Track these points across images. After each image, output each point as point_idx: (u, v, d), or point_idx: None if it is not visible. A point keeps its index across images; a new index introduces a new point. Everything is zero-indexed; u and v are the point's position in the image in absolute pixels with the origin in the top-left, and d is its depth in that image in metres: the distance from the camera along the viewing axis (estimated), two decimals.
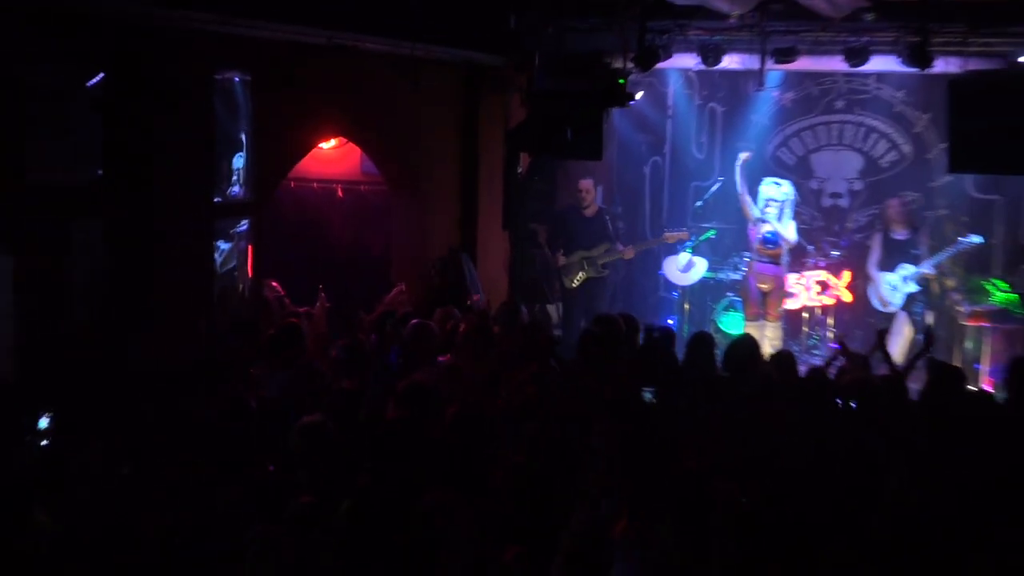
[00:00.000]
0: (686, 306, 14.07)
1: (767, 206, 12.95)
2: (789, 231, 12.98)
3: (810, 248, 13.81)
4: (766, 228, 12.98)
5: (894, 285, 12.67)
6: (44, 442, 5.79)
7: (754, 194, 13.15)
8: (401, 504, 5.25)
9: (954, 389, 7.73)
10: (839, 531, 5.43)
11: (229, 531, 4.97)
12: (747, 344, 8.87)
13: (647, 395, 7.83)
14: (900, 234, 12.75)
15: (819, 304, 13.77)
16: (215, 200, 8.74)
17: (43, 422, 5.86)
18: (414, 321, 8.69)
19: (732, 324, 13.48)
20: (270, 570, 4.41)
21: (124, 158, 7.64)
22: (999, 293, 13.20)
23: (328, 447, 5.76)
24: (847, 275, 13.94)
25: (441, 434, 6.54)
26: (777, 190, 13.07)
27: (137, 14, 7.36)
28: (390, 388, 7.25)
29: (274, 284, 10.05)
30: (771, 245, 12.98)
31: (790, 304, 13.53)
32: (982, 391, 10.38)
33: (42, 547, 4.78)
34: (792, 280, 13.45)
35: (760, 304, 13.05)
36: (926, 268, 12.50)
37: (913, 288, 12.59)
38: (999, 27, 11.00)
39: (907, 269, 12.66)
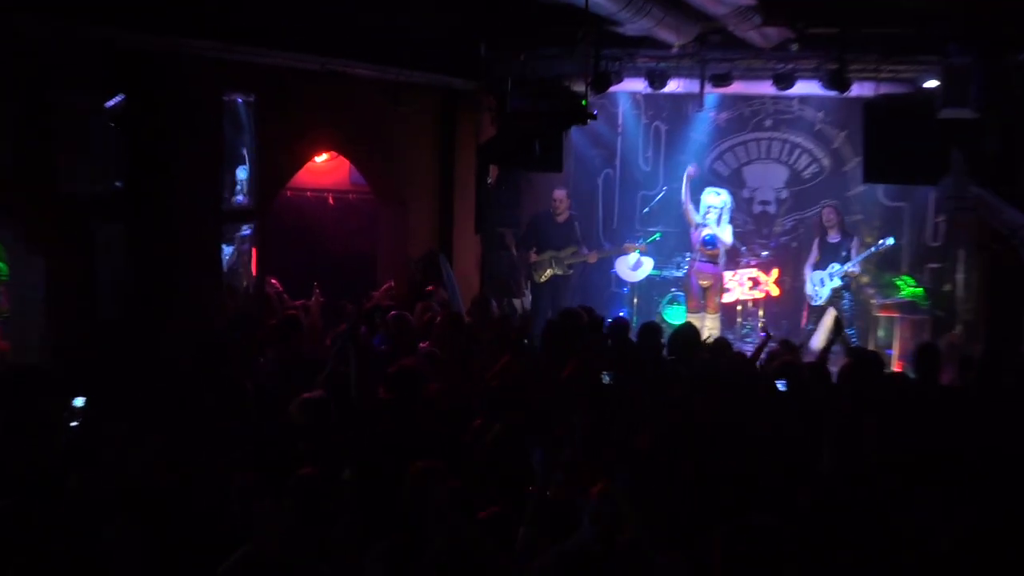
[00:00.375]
0: (635, 300, 14.13)
1: (708, 212, 13.12)
2: (726, 234, 13.18)
3: (743, 249, 13.98)
4: (706, 232, 13.18)
5: (822, 281, 12.79)
6: (77, 421, 5.72)
7: (696, 202, 13.28)
8: (393, 472, 5.22)
9: (873, 371, 7.78)
10: (769, 496, 5.42)
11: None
12: (688, 332, 8.96)
13: (606, 378, 7.81)
14: (833, 237, 12.88)
15: (751, 298, 13.92)
16: (222, 207, 8.67)
17: (77, 402, 5.80)
18: (393, 313, 8.69)
19: (675, 315, 13.55)
20: (277, 531, 4.35)
21: (142, 170, 7.58)
22: (907, 288, 13.30)
23: (327, 420, 5.73)
24: (775, 272, 14.05)
25: (425, 409, 6.54)
26: (716, 198, 13.28)
27: (152, 44, 7.30)
28: (377, 370, 7.21)
29: (274, 281, 10.02)
30: (710, 247, 13.22)
31: (726, 298, 13.68)
32: (897, 373, 10.44)
33: (73, 508, 4.71)
34: (728, 277, 13.60)
35: (701, 298, 13.27)
36: (850, 267, 12.59)
37: (839, 283, 12.70)
38: (907, 56, 11.06)
39: (834, 267, 12.78)
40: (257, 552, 4.16)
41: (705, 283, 13.24)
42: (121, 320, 7.42)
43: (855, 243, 12.77)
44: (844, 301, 12.67)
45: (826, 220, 13.05)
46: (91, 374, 6.82)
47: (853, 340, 11.84)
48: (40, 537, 4.17)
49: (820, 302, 12.68)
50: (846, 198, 14.08)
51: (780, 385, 7.86)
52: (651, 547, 4.58)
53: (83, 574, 3.98)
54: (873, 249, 12.89)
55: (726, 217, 13.25)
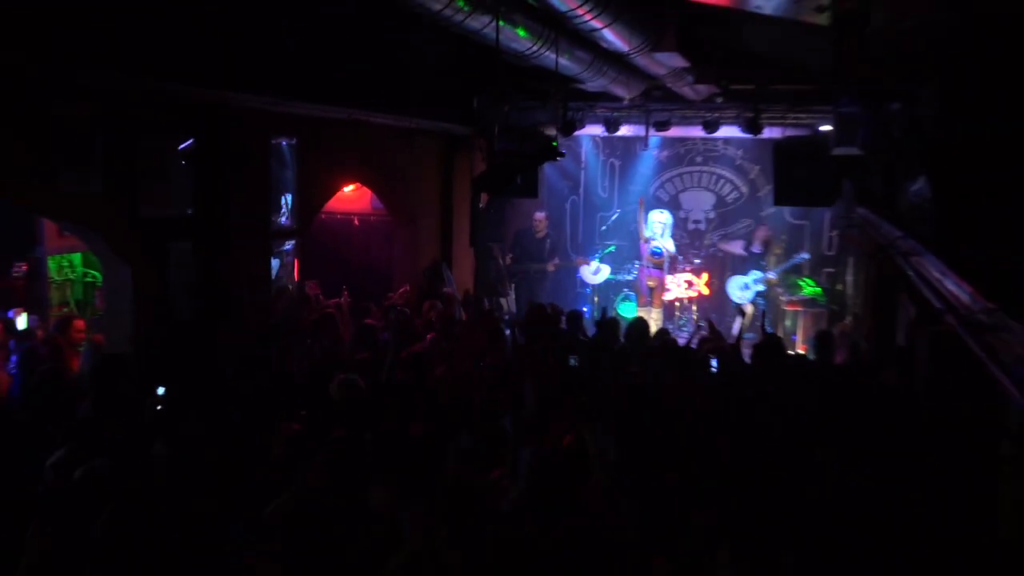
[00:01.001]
0: (595, 298, 14.20)
1: (655, 227, 13.45)
2: (669, 244, 13.47)
3: (680, 258, 14.02)
4: (654, 244, 13.49)
5: (746, 284, 12.99)
6: (159, 402, 5.74)
7: (644, 220, 13.42)
8: (405, 434, 5.27)
9: (777, 349, 7.87)
10: (701, 446, 5.46)
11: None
12: (640, 324, 9.02)
13: (572, 361, 7.85)
14: (756, 249, 13.05)
15: (686, 296, 13.97)
16: (271, 227, 8.68)
17: (159, 389, 5.83)
18: (397, 310, 8.78)
19: (627, 310, 13.62)
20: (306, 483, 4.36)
21: (207, 198, 7.59)
22: (808, 288, 13.41)
23: (358, 395, 5.77)
24: (705, 276, 14.18)
25: (432, 385, 6.59)
26: (661, 216, 13.65)
27: (216, 98, 7.32)
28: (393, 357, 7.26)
29: (313, 284, 10.02)
30: (657, 256, 13.56)
31: (667, 296, 13.75)
32: (799, 354, 10.53)
33: (160, 469, 4.73)
34: (669, 280, 13.68)
35: (648, 296, 13.48)
36: (770, 275, 12.83)
37: (761, 288, 12.93)
38: (807, 107, 11.16)
39: (755, 274, 12.95)
40: (299, 496, 4.17)
41: (652, 283, 13.58)
42: (191, 319, 7.44)
43: (771, 255, 13.02)
44: (760, 301, 12.87)
45: (758, 235, 13.31)
46: (168, 363, 6.86)
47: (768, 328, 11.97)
48: (128, 492, 4.17)
49: (741, 301, 12.85)
50: (760, 217, 14.21)
51: (713, 363, 7.99)
52: (616, 491, 4.60)
53: (161, 523, 3.97)
54: (791, 263, 13.13)
55: (668, 232, 13.51)
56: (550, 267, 13.75)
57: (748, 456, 5.28)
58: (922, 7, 4.82)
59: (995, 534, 4.26)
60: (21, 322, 8.29)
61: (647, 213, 13.63)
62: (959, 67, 5.23)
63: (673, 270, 13.76)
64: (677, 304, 13.93)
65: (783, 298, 13.32)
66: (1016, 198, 4.69)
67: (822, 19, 3.81)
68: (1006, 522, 4.25)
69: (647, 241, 13.45)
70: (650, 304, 13.40)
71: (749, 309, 12.43)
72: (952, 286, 3.51)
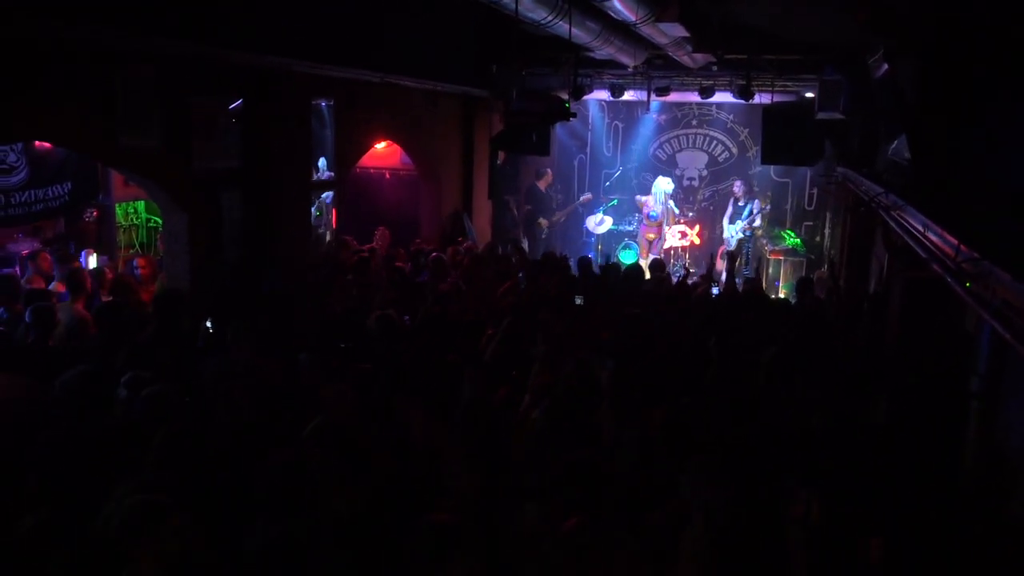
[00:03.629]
0: (599, 246, 14.07)
1: (660, 196, 13.49)
2: (670, 206, 13.63)
3: (677, 212, 13.87)
4: (651, 210, 13.54)
5: (734, 232, 12.83)
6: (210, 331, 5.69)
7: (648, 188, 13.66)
8: (437, 360, 5.19)
9: (757, 290, 7.77)
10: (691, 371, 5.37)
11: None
12: (636, 269, 8.92)
13: (578, 300, 7.76)
14: (741, 202, 12.86)
15: (680, 245, 13.82)
16: (311, 179, 8.57)
17: (208, 323, 5.76)
18: (433, 255, 8.64)
19: (627, 257, 13.51)
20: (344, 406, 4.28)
21: (255, 153, 7.48)
22: (790, 239, 13.26)
23: (393, 328, 5.70)
24: (697, 227, 13.99)
25: (456, 319, 6.51)
26: (666, 182, 13.69)
27: (263, 62, 7.16)
28: (424, 295, 7.17)
29: (349, 238, 9.88)
30: (654, 220, 13.46)
31: (664, 245, 13.61)
32: (782, 298, 10.41)
33: (206, 388, 4.66)
34: (665, 231, 13.54)
35: (647, 247, 13.33)
36: (748, 222, 12.69)
37: (742, 235, 12.77)
38: (794, 75, 10.93)
39: (739, 224, 12.77)
40: (328, 422, 4.08)
41: (651, 236, 13.44)
42: (240, 260, 7.37)
43: (756, 204, 12.81)
44: (747, 245, 12.71)
45: (735, 190, 13.14)
46: (219, 297, 6.80)
47: (747, 273, 11.87)
48: (181, 413, 4.12)
49: (732, 247, 12.75)
50: (748, 175, 13.97)
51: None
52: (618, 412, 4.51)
53: (208, 434, 3.91)
54: (758, 212, 13.16)
55: (669, 199, 13.54)
56: (558, 217, 13.67)
57: (733, 386, 5.18)
58: None
59: (961, 464, 4.17)
60: (92, 262, 8.25)
61: (641, 184, 14.00)
62: (938, 31, 5.00)
63: (668, 223, 13.66)
64: (672, 253, 13.81)
65: (768, 248, 13.16)
66: (989, 155, 4.51)
67: None
68: (971, 450, 4.16)
69: (645, 206, 13.55)
70: (650, 253, 13.35)
71: (741, 256, 12.33)
72: (935, 237, 3.36)
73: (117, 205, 9.18)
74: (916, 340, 5.63)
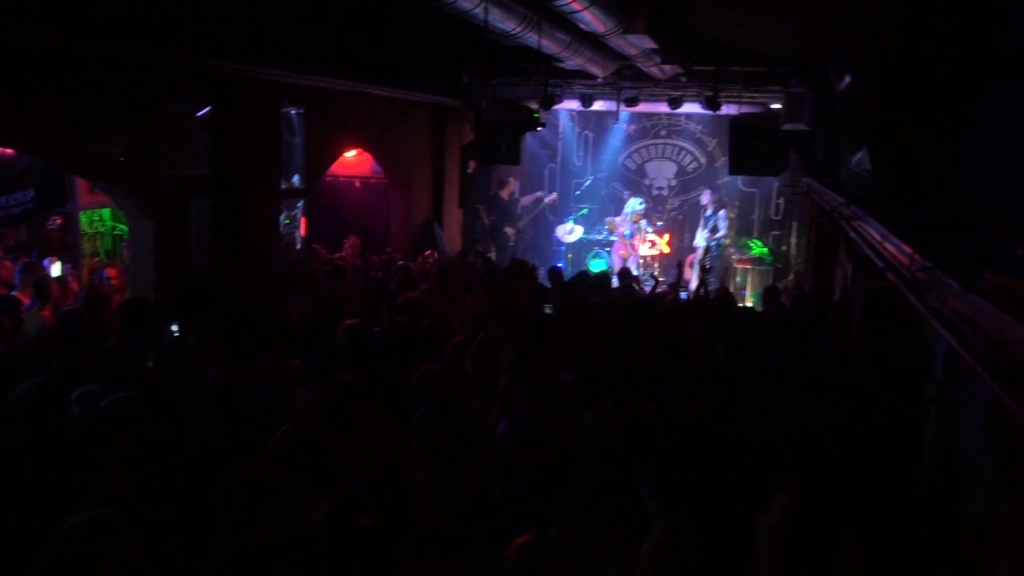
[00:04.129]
0: (570, 255, 14.12)
1: (633, 217, 13.53)
2: (641, 224, 13.68)
3: (649, 230, 14.01)
4: (624, 229, 13.61)
5: (700, 240, 12.99)
6: (174, 339, 5.62)
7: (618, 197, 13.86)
8: (406, 369, 5.17)
9: (728, 300, 7.87)
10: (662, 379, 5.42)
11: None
12: (605, 278, 8.97)
13: (547, 308, 7.80)
14: (708, 211, 12.99)
15: (650, 255, 13.91)
16: (280, 188, 8.52)
17: (173, 327, 5.70)
18: (400, 263, 8.64)
19: (597, 266, 13.54)
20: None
21: (224, 161, 7.44)
22: (757, 248, 13.40)
23: (363, 339, 5.66)
24: (667, 236, 14.10)
25: (425, 328, 6.49)
26: (636, 202, 13.68)
27: (232, 70, 7.14)
28: (392, 304, 7.14)
29: (319, 246, 9.86)
30: (628, 239, 13.61)
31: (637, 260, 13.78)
32: (748, 307, 10.53)
33: (169, 396, 4.64)
34: (637, 249, 13.75)
35: (621, 263, 13.48)
36: (711, 231, 12.84)
37: (704, 243, 12.93)
38: (760, 87, 11.06)
39: (705, 233, 12.92)
40: (295, 430, 4.05)
41: (624, 253, 13.61)
42: (207, 267, 7.32)
43: (722, 214, 12.94)
44: (712, 253, 12.85)
45: (703, 199, 13.27)
46: (186, 305, 6.74)
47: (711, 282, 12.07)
48: (145, 419, 4.08)
49: (699, 255, 12.91)
50: (716, 185, 14.11)
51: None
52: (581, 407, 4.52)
53: (173, 442, 3.88)
54: (715, 219, 13.19)
55: (641, 219, 13.62)
56: (525, 221, 13.79)
57: (702, 393, 5.23)
58: None
59: (919, 466, 4.26)
60: (55, 270, 8.13)
61: (614, 199, 14.23)
62: (898, 47, 5.12)
63: (643, 240, 13.80)
64: (640, 261, 13.90)
65: (735, 257, 13.29)
66: (948, 167, 4.62)
67: None
68: (928, 455, 4.24)
69: (622, 225, 13.67)
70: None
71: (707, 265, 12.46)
72: (892, 247, 3.44)
73: (82, 212, 9.05)
74: (877, 348, 5.73)
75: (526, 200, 14.01)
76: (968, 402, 3.75)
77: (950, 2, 4.81)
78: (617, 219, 13.71)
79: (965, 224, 3.62)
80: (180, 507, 3.50)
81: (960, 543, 3.92)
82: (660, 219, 14.33)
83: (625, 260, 13.48)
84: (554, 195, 14.22)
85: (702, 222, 13.29)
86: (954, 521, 4.06)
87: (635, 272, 11.84)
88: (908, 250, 2.95)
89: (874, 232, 4.04)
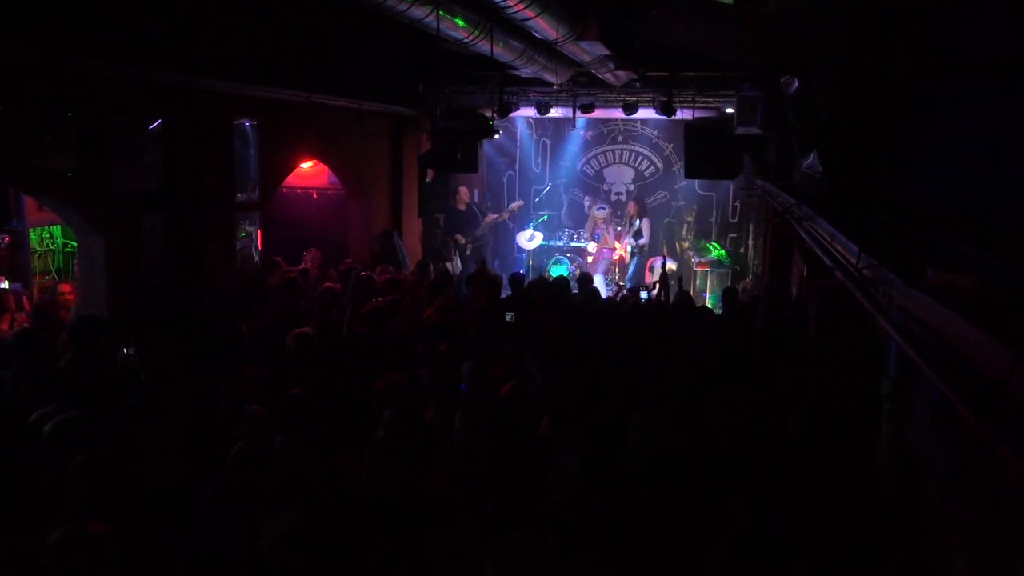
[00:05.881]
0: (530, 261, 14.14)
1: (598, 224, 13.87)
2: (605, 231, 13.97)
3: (608, 227, 14.14)
4: (594, 232, 13.90)
5: (628, 246, 13.26)
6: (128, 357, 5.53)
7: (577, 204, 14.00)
8: (366, 382, 5.13)
9: (689, 303, 7.93)
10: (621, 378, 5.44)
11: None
12: (565, 283, 8.99)
13: (508, 316, 7.80)
14: (633, 219, 13.26)
15: (611, 259, 14.03)
16: (235, 201, 8.41)
17: (128, 349, 5.60)
18: (362, 274, 8.57)
19: (558, 271, 13.59)
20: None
21: (176, 174, 7.33)
22: (715, 251, 13.53)
23: (312, 350, 5.56)
24: (626, 241, 14.17)
25: (387, 339, 6.44)
26: (602, 212, 14.04)
27: (183, 82, 7.04)
28: (353, 314, 7.08)
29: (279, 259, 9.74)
30: (597, 239, 13.82)
31: (592, 259, 13.85)
32: (707, 307, 10.61)
33: (125, 416, 4.56)
34: (593, 247, 13.81)
35: (587, 264, 13.67)
36: (634, 237, 13.48)
37: (633, 248, 13.52)
38: (714, 91, 11.20)
39: (631, 239, 13.20)
40: (251, 447, 4.00)
41: (590, 260, 13.75)
42: (160, 284, 7.19)
43: (645, 222, 13.21)
44: (635, 257, 13.50)
45: (630, 210, 13.51)
46: (138, 321, 6.62)
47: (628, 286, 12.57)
48: (99, 439, 4.00)
49: (629, 257, 13.47)
50: (674, 189, 14.26)
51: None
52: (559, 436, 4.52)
53: (130, 461, 3.80)
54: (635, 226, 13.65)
55: (605, 224, 13.90)
56: (483, 229, 13.82)
57: (664, 392, 5.27)
58: None
59: (874, 462, 4.31)
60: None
61: (572, 209, 14.52)
62: (846, 51, 5.21)
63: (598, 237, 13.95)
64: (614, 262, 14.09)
65: (694, 260, 13.42)
66: (896, 167, 4.71)
67: None
68: (884, 452, 4.29)
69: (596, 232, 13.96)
70: (590, 269, 13.68)
71: (671, 266, 12.58)
72: (840, 245, 3.49)
73: (31, 230, 8.86)
74: (833, 346, 5.80)
75: (491, 218, 14.02)
76: (920, 397, 3.81)
77: (895, 7, 4.91)
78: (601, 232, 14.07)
79: (913, 222, 3.68)
80: (141, 526, 3.43)
81: (917, 537, 3.97)
82: (619, 224, 14.42)
83: (592, 261, 13.73)
84: (519, 202, 14.30)
85: (627, 229, 13.57)
86: (911, 516, 4.11)
87: (588, 272, 11.96)
88: (855, 247, 3.00)
89: (824, 231, 4.10)
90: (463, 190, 13.53)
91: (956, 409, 1.81)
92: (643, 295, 9.39)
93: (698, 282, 13.22)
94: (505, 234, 14.62)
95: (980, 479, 2.26)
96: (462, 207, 13.51)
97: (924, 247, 3.19)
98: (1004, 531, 2.20)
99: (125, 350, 5.64)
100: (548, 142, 14.93)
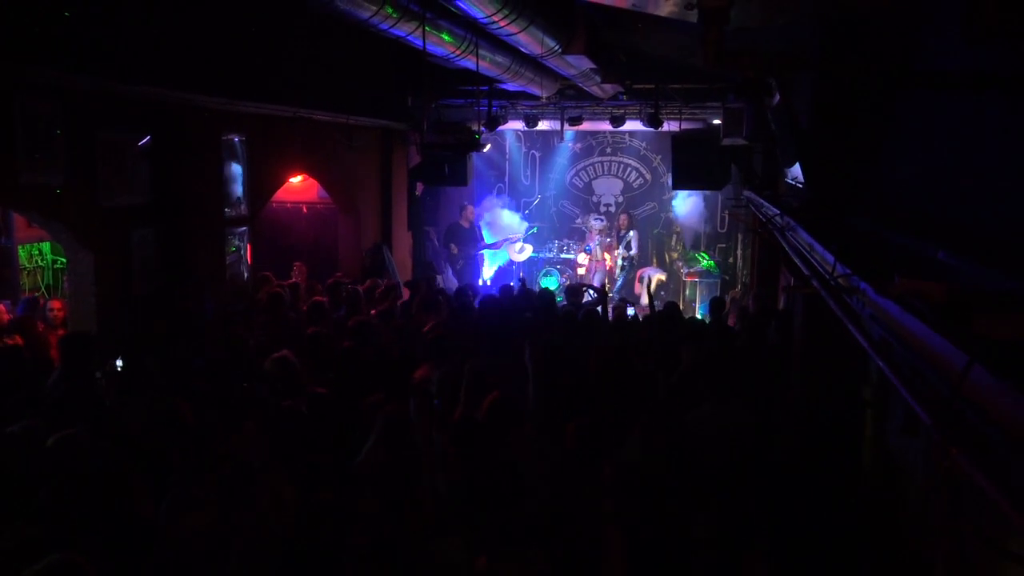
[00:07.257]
0: (521, 273, 14.17)
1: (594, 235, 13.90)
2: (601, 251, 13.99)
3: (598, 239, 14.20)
4: (586, 245, 14.00)
5: (619, 256, 13.30)
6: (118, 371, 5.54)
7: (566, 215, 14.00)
8: (352, 401, 5.14)
9: (676, 313, 7.97)
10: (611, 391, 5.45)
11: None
12: (549, 294, 9.02)
13: None
14: (623, 233, 13.32)
15: (604, 270, 14.09)
16: (224, 215, 8.44)
17: (118, 362, 5.61)
18: (350, 287, 8.59)
19: (549, 283, 13.65)
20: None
21: (166, 189, 7.36)
22: (704, 261, 13.59)
23: (291, 371, 5.45)
24: (617, 252, 14.26)
25: (376, 355, 6.44)
26: (599, 223, 14.08)
27: (173, 98, 7.08)
28: (340, 329, 7.09)
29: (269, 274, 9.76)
30: (588, 251, 13.91)
31: (583, 270, 13.87)
32: (697, 317, 10.66)
33: (117, 429, 4.57)
34: (583, 258, 13.81)
35: (577, 275, 13.68)
36: (625, 248, 13.58)
37: (623, 260, 13.60)
38: (700, 103, 11.29)
39: (621, 250, 13.24)
40: (238, 462, 4.00)
41: (582, 271, 13.82)
42: (150, 299, 7.21)
43: (633, 234, 13.29)
44: (625, 269, 13.55)
45: (620, 223, 13.55)
46: (130, 339, 6.63)
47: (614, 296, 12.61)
48: (90, 453, 4.01)
49: (619, 269, 13.49)
50: (662, 200, 14.34)
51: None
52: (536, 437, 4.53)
53: (121, 474, 3.81)
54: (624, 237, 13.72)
55: (598, 241, 13.94)
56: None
57: (651, 404, 5.29)
58: (792, 7, 4.87)
59: (859, 468, 4.35)
60: None
61: (560, 215, 14.56)
62: (825, 65, 5.29)
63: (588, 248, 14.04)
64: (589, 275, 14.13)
65: (683, 270, 13.49)
66: (874, 179, 4.78)
67: (691, 15, 3.79)
68: (867, 457, 4.33)
69: (587, 243, 14.09)
70: (581, 279, 13.76)
71: (654, 282, 12.64)
72: (818, 254, 3.55)
73: (20, 247, 8.87)
74: (818, 353, 5.85)
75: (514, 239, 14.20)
76: (899, 404, 3.85)
77: (863, 25, 5.01)
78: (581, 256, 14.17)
79: (892, 231, 3.74)
80: (119, 542, 3.43)
81: (901, 542, 4.01)
82: (607, 235, 14.49)
83: (582, 271, 13.81)
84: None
85: (615, 241, 13.66)
86: (894, 521, 4.15)
87: (575, 284, 12.03)
88: (831, 257, 3.05)
89: (803, 241, 4.16)
90: (470, 208, 13.64)
91: (920, 415, 1.85)
92: (630, 311, 9.41)
93: (687, 292, 13.30)
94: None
95: (944, 482, 2.31)
96: (466, 224, 13.57)
97: (903, 255, 3.25)
98: (978, 534, 2.24)
99: (114, 365, 5.63)
100: (537, 154, 15.03)
